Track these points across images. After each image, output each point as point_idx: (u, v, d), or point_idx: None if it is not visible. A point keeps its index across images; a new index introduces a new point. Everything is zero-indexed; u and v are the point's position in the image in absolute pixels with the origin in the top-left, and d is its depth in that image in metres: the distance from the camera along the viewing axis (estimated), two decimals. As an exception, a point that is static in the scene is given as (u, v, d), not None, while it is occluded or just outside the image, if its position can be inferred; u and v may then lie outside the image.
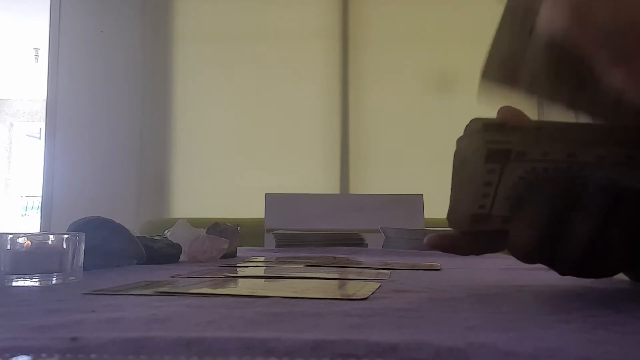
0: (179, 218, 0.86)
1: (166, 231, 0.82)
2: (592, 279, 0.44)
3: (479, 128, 0.34)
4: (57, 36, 2.89)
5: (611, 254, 0.37)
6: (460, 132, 0.37)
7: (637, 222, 0.36)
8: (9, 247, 0.45)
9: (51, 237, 0.49)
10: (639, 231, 0.37)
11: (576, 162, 0.34)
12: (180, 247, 0.77)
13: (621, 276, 0.51)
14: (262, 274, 0.59)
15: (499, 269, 0.69)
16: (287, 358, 0.21)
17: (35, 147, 5.99)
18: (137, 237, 0.72)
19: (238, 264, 0.72)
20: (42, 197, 2.85)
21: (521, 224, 0.36)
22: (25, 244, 0.46)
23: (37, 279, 0.45)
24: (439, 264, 0.74)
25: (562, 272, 0.40)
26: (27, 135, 6.34)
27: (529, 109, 0.37)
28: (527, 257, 0.37)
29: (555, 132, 0.34)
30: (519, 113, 0.38)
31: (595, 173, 0.35)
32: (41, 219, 2.84)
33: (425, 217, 1.79)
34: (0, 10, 4.05)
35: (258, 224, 1.90)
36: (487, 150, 0.33)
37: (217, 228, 0.88)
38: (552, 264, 0.39)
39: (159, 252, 0.73)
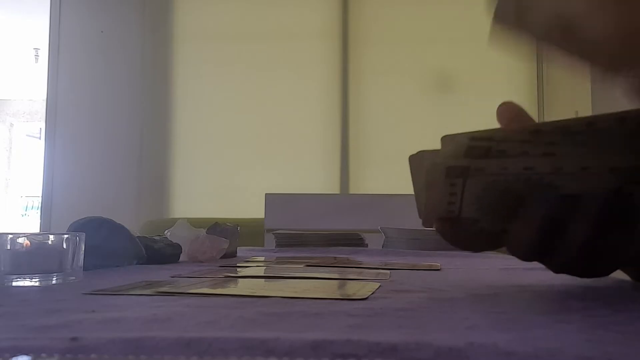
0: (179, 218, 0.86)
1: (166, 231, 0.82)
2: (591, 279, 0.44)
3: (432, 152, 0.36)
4: (57, 36, 2.89)
5: (606, 254, 0.38)
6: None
7: (633, 224, 0.37)
8: (9, 247, 0.45)
9: (51, 237, 0.49)
10: (634, 231, 0.37)
11: (534, 174, 0.35)
12: (180, 247, 0.77)
13: (621, 275, 0.51)
14: (262, 274, 0.59)
15: (499, 269, 0.69)
16: (287, 358, 0.21)
17: (35, 147, 5.99)
18: (137, 237, 0.72)
19: (238, 264, 0.72)
20: (42, 197, 2.85)
21: (522, 225, 0.37)
22: (25, 244, 0.46)
23: (37, 279, 0.45)
24: (439, 264, 0.74)
25: (557, 271, 0.40)
26: (27, 135, 6.34)
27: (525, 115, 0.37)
28: (526, 255, 0.38)
29: (514, 147, 0.34)
30: (518, 113, 0.38)
31: (554, 181, 0.35)
32: (41, 219, 2.85)
33: (425, 217, 1.79)
34: (0, 10, 4.05)
35: (258, 224, 1.90)
36: (447, 168, 0.35)
37: (217, 228, 0.88)
38: (548, 262, 0.40)
39: (159, 252, 0.73)
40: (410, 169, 0.39)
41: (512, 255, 0.39)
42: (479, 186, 0.36)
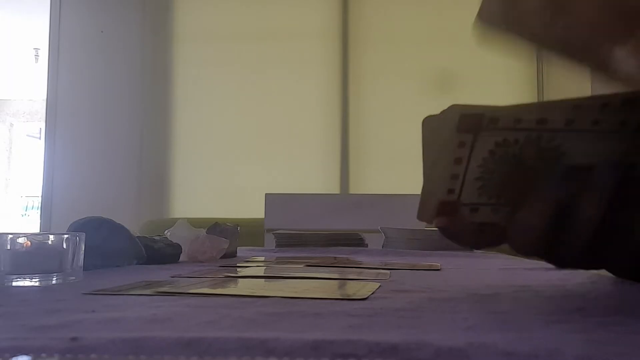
0: (179, 218, 0.86)
1: (166, 231, 0.82)
2: (590, 279, 0.44)
3: (452, 107, 0.34)
4: (57, 36, 2.89)
5: (613, 241, 0.36)
6: None
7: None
8: (9, 247, 0.45)
9: (51, 237, 0.49)
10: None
11: (546, 130, 0.34)
12: (180, 247, 0.77)
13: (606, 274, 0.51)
14: (262, 274, 0.59)
15: (499, 269, 0.69)
16: (287, 358, 0.21)
17: (35, 147, 5.99)
18: (137, 237, 0.72)
19: (238, 264, 0.72)
20: (42, 197, 2.85)
21: (529, 209, 0.35)
22: (25, 244, 0.46)
23: (37, 279, 0.45)
24: (439, 264, 0.74)
25: (563, 265, 0.38)
26: (27, 135, 6.34)
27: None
28: (530, 246, 0.36)
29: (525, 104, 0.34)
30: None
31: (564, 144, 0.34)
32: (41, 219, 2.84)
33: (425, 217, 1.79)
34: (0, 10, 4.05)
35: (258, 224, 1.90)
36: (460, 116, 0.33)
37: (217, 228, 0.88)
38: (552, 254, 0.37)
39: (159, 252, 0.73)
40: (423, 135, 0.36)
41: (515, 249, 0.37)
42: (488, 147, 0.34)
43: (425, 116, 0.36)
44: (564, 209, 0.35)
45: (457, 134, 0.33)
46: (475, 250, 1.22)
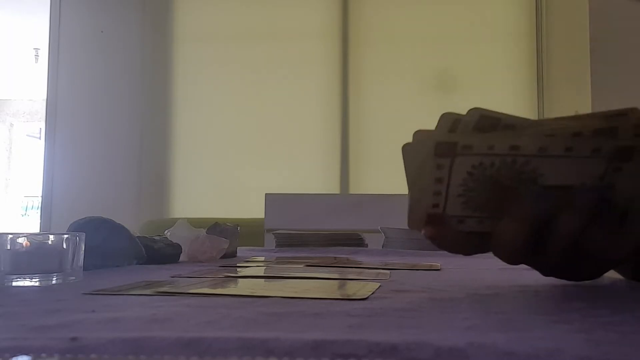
0: (179, 218, 0.86)
1: (166, 231, 0.82)
2: (590, 279, 0.44)
3: (425, 132, 0.36)
4: (57, 36, 2.89)
5: (593, 253, 0.38)
6: None
7: (616, 223, 0.37)
8: (9, 247, 0.45)
9: (51, 237, 0.49)
10: (617, 226, 0.38)
11: (519, 156, 0.35)
12: (180, 247, 0.77)
13: (617, 275, 0.51)
14: (262, 274, 0.59)
15: (499, 269, 0.69)
16: (287, 358, 0.21)
17: (35, 147, 5.99)
18: (137, 237, 0.72)
19: (238, 264, 0.72)
20: (42, 197, 2.86)
21: (508, 223, 0.36)
22: (25, 244, 0.46)
23: (37, 279, 0.45)
24: (439, 264, 0.74)
25: (545, 273, 0.40)
26: (27, 135, 6.34)
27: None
28: (512, 256, 0.38)
29: (498, 127, 0.35)
30: None
31: (539, 168, 0.36)
32: (41, 219, 2.85)
33: (425, 217, 1.79)
34: (0, 10, 4.05)
35: (258, 224, 1.90)
36: (435, 143, 0.35)
37: (217, 228, 0.88)
38: (535, 264, 0.40)
39: (159, 252, 0.73)
40: (404, 159, 0.38)
41: (498, 257, 0.38)
42: (466, 168, 0.36)
43: (404, 144, 0.38)
44: (542, 224, 0.36)
45: (435, 158, 0.35)
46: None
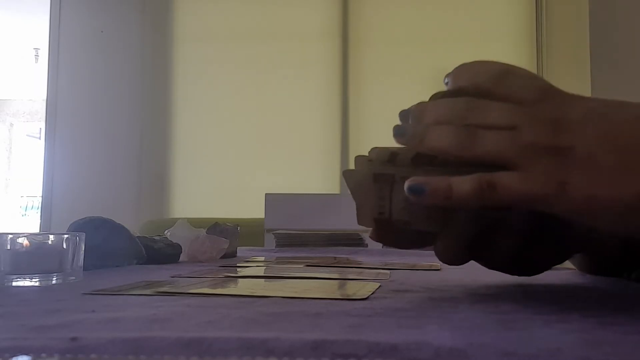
0: (179, 218, 0.86)
1: (166, 231, 0.82)
2: (590, 279, 0.44)
3: (366, 162, 0.39)
4: (57, 36, 2.89)
5: (534, 259, 0.40)
6: None
7: (557, 231, 0.39)
8: (9, 247, 0.45)
9: (51, 237, 0.49)
10: (562, 235, 0.39)
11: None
12: (180, 247, 0.77)
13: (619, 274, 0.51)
14: (262, 274, 0.59)
15: (499, 269, 0.69)
16: (287, 358, 0.21)
17: (35, 147, 5.99)
18: (137, 237, 0.72)
19: (238, 264, 0.72)
20: (42, 197, 2.85)
21: (445, 238, 0.37)
22: (25, 244, 0.46)
23: (37, 279, 0.45)
24: (439, 264, 0.74)
25: (489, 267, 0.41)
26: (27, 135, 6.34)
27: None
28: (453, 263, 0.39)
29: (434, 160, 0.37)
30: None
31: None
32: (41, 219, 2.84)
33: (425, 217, 1.79)
34: (0, 10, 4.05)
35: (258, 224, 1.90)
36: (374, 175, 0.38)
37: (217, 228, 0.88)
38: (478, 261, 0.41)
39: (159, 252, 0.73)
40: (347, 184, 0.41)
41: (439, 259, 0.39)
42: (405, 193, 0.37)
43: (344, 170, 0.41)
44: (477, 239, 0.38)
45: (375, 184, 0.38)
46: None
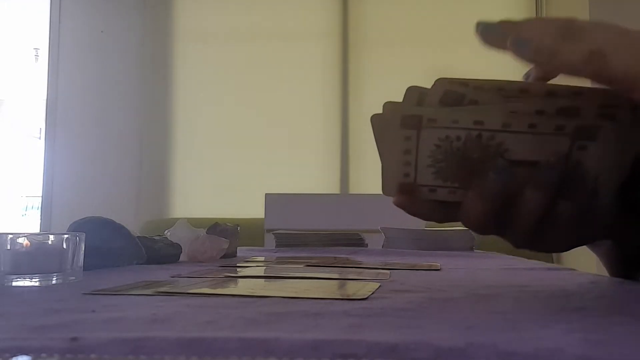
0: (179, 218, 0.86)
1: (166, 231, 0.82)
2: (590, 279, 0.44)
3: (393, 104, 0.38)
4: (57, 36, 2.89)
5: (563, 228, 0.38)
6: None
7: (586, 197, 0.37)
8: (9, 247, 0.45)
9: (51, 237, 0.49)
10: (591, 205, 0.38)
11: (484, 130, 0.36)
12: (180, 247, 0.77)
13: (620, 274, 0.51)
14: (262, 274, 0.59)
15: (499, 269, 0.69)
16: (287, 358, 0.21)
17: (35, 147, 5.99)
18: (137, 237, 0.72)
19: (238, 264, 0.72)
20: (42, 197, 2.85)
21: (474, 197, 0.37)
22: (25, 244, 0.46)
23: (37, 279, 0.45)
24: (439, 264, 0.74)
25: (516, 245, 0.41)
26: (27, 135, 6.34)
27: None
28: (480, 228, 0.39)
29: (463, 102, 0.36)
30: None
31: (505, 142, 0.36)
32: (41, 219, 2.84)
33: (425, 217, 1.79)
34: (0, 10, 4.05)
35: (258, 224, 1.90)
36: (402, 117, 0.37)
37: (217, 228, 0.88)
38: (504, 236, 0.40)
39: (159, 252, 0.73)
40: (374, 131, 0.39)
41: (467, 227, 0.39)
42: (432, 141, 0.37)
43: (372, 114, 0.39)
44: (507, 199, 0.37)
45: (402, 130, 0.37)
46: (476, 250, 1.22)
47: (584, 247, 0.46)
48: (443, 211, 0.40)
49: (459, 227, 1.33)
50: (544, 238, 0.40)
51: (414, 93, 0.37)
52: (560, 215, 0.37)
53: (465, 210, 0.38)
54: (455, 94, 0.36)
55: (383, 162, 0.39)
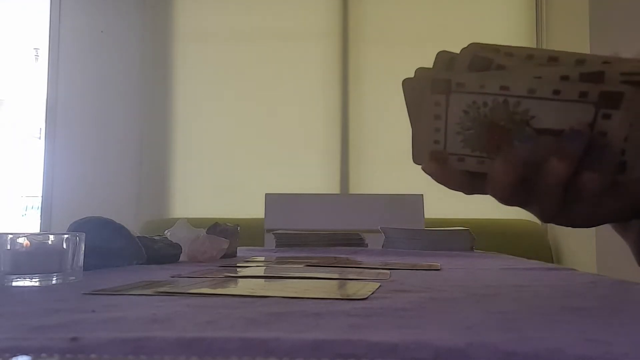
0: (179, 218, 0.86)
1: (166, 231, 0.82)
2: (590, 279, 0.44)
3: (424, 69, 0.38)
4: (57, 36, 2.89)
5: (587, 200, 0.38)
6: None
7: (611, 169, 0.37)
8: (9, 247, 0.45)
9: (51, 237, 0.49)
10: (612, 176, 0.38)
11: (510, 96, 0.36)
12: (180, 247, 0.77)
13: (620, 273, 0.51)
14: (262, 274, 0.59)
15: (499, 269, 0.69)
16: (287, 358, 0.21)
17: (35, 147, 5.98)
18: (137, 237, 0.72)
19: (238, 264, 0.72)
20: (42, 197, 2.85)
21: (500, 165, 0.37)
22: (25, 244, 0.46)
23: (37, 279, 0.45)
24: (439, 264, 0.74)
25: (542, 217, 0.41)
26: (27, 135, 6.34)
27: None
28: (506, 198, 0.39)
29: (490, 67, 0.37)
30: None
31: (531, 109, 0.37)
32: (41, 219, 2.84)
33: (425, 217, 1.79)
34: (0, 10, 4.05)
35: (258, 224, 1.90)
36: (432, 81, 0.37)
37: (217, 228, 0.88)
38: (529, 207, 0.40)
39: (159, 252, 0.73)
40: (404, 94, 0.39)
41: (494, 196, 0.39)
42: (461, 107, 0.37)
43: (404, 78, 0.39)
44: (533, 167, 0.37)
45: (432, 95, 0.37)
46: (476, 250, 1.22)
47: (584, 247, 0.46)
48: (471, 182, 0.40)
49: (459, 227, 1.33)
50: (568, 211, 0.39)
51: (444, 57, 0.37)
52: (584, 186, 0.37)
53: (492, 180, 0.38)
54: (483, 59, 0.36)
55: (413, 128, 0.39)
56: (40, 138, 5.99)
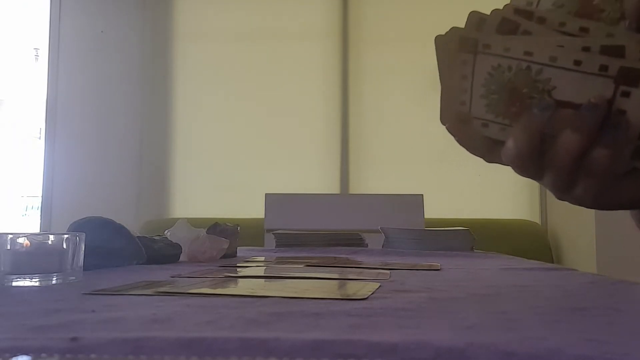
0: (179, 218, 0.86)
1: (166, 231, 0.82)
2: (590, 279, 0.44)
3: (457, 28, 0.39)
4: (57, 36, 2.89)
5: (598, 176, 0.38)
6: None
7: (625, 149, 0.37)
8: (9, 247, 0.45)
9: (51, 237, 0.49)
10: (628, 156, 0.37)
11: (533, 63, 0.37)
12: (180, 247, 0.77)
13: (621, 273, 0.51)
14: (262, 274, 0.59)
15: (499, 269, 0.69)
16: (287, 358, 0.21)
17: (35, 147, 5.98)
18: (137, 237, 0.72)
19: (238, 264, 0.72)
20: (42, 197, 2.85)
21: (517, 131, 0.38)
22: (25, 244, 0.46)
23: (37, 279, 0.45)
24: (439, 264, 0.74)
25: (555, 191, 0.40)
26: (27, 135, 6.34)
27: None
28: (520, 167, 0.39)
29: (517, 31, 0.37)
30: None
31: (553, 79, 0.37)
32: (41, 219, 2.84)
33: (425, 217, 1.79)
34: (0, 10, 4.05)
35: (258, 224, 1.90)
36: (460, 38, 0.38)
37: (217, 228, 0.88)
38: (542, 179, 0.40)
39: (159, 252, 0.73)
40: (437, 53, 0.40)
41: (509, 164, 0.39)
42: (486, 69, 0.38)
43: (437, 35, 0.40)
44: (548, 137, 0.37)
45: (459, 53, 0.38)
46: (476, 250, 1.22)
47: (584, 247, 0.46)
48: (492, 150, 0.40)
49: (459, 227, 1.33)
50: (579, 187, 0.39)
51: (475, 18, 0.38)
52: (594, 161, 0.37)
53: (508, 146, 0.38)
54: (511, 23, 0.37)
55: (442, 86, 0.40)
56: (40, 138, 5.99)
